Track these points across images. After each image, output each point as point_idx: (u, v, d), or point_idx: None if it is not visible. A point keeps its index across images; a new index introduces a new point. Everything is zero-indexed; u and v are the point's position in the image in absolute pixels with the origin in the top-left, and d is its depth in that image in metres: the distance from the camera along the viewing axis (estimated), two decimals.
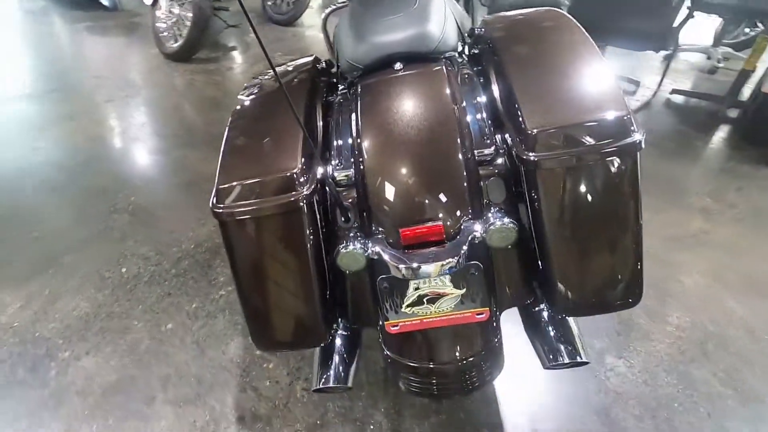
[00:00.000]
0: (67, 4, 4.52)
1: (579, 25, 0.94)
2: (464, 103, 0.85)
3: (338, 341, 0.94)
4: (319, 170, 0.79)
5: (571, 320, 0.91)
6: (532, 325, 0.91)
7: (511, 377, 1.17)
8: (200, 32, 3.00)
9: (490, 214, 0.74)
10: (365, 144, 0.79)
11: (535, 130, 0.72)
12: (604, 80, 0.78)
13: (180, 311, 1.32)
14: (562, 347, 0.86)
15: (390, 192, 0.75)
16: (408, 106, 0.81)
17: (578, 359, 0.85)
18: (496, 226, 0.71)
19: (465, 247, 0.71)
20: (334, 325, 0.92)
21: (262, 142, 0.83)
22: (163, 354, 1.20)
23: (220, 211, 0.75)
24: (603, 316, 1.32)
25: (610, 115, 0.72)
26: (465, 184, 0.76)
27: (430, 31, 0.89)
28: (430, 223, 0.73)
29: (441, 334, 0.79)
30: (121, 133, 2.30)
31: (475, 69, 1.01)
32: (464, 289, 0.75)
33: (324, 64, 1.08)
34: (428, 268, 0.69)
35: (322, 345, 0.89)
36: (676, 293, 1.40)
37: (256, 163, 0.79)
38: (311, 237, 0.78)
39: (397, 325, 0.77)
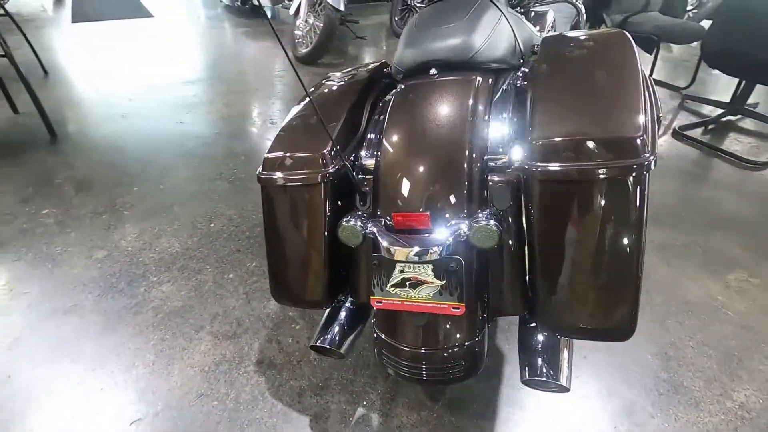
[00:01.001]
0: (235, 12, 5.44)
1: (635, 47, 0.90)
2: (489, 112, 0.89)
3: (344, 312, 1.04)
4: (349, 156, 0.90)
5: (565, 347, 0.87)
6: (524, 337, 0.90)
7: (520, 406, 1.14)
8: (327, 40, 3.38)
9: (480, 214, 0.76)
10: (385, 139, 0.88)
11: (538, 140, 0.74)
12: (631, 100, 0.75)
13: (242, 266, 1.55)
14: (544, 366, 0.84)
15: (395, 182, 0.83)
16: (429, 109, 0.88)
17: (556, 382, 0.81)
18: (479, 224, 0.74)
19: (447, 240, 0.75)
20: (341, 296, 1.02)
21: (309, 126, 0.97)
22: (219, 296, 1.43)
23: (262, 177, 0.91)
24: (643, 370, 1.21)
25: (621, 133, 0.69)
26: (465, 185, 0.80)
27: (467, 41, 0.94)
28: (420, 212, 0.79)
29: (415, 320, 0.83)
30: (245, 118, 2.73)
31: (519, 83, 1.03)
32: (444, 281, 0.78)
33: (390, 69, 1.20)
34: (401, 249, 0.75)
35: (324, 309, 1.00)
36: (755, 369, 1.21)
37: (297, 143, 0.93)
38: (328, 212, 0.89)
39: (381, 302, 0.83)
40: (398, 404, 1.12)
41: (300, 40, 3.64)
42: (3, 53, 2.30)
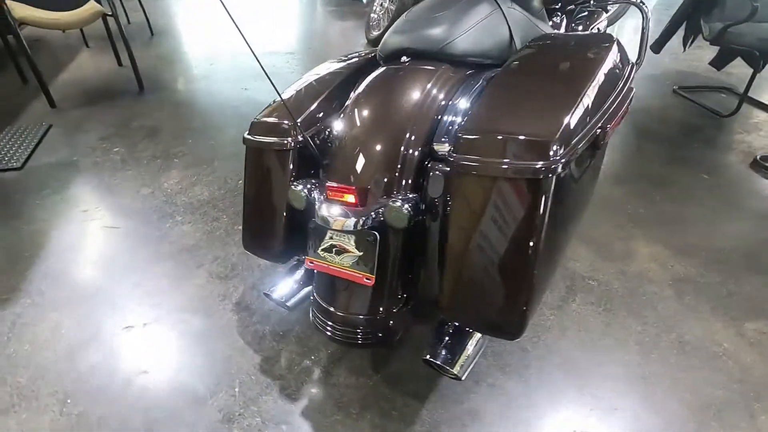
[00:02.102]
0: None
1: (614, 55, 0.87)
2: (449, 103, 0.91)
3: (302, 271, 1.14)
4: (315, 129, 0.99)
5: (473, 341, 0.89)
6: (441, 320, 0.93)
7: (453, 399, 1.17)
8: None
9: (400, 196, 0.81)
10: (343, 118, 0.95)
11: (463, 132, 0.76)
12: (565, 105, 0.74)
13: None
14: (444, 351, 0.87)
15: (339, 157, 0.91)
16: (386, 94, 0.93)
17: (450, 369, 0.84)
18: (392, 205, 0.78)
19: (366, 215, 0.81)
20: (299, 256, 1.12)
21: (295, 99, 1.07)
22: (225, 242, 1.62)
23: (246, 138, 1.03)
24: (603, 393, 1.17)
25: (533, 135, 0.70)
26: (398, 167, 0.84)
27: (437, 33, 0.95)
28: (349, 186, 0.85)
29: (339, 283, 0.90)
30: None
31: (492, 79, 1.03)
32: (361, 253, 0.85)
33: None
34: (326, 217, 0.82)
35: (281, 263, 1.11)
36: (733, 424, 1.10)
37: (280, 113, 1.03)
38: (293, 176, 0.99)
39: (312, 262, 0.92)
40: (342, 366, 1.20)
41: (374, 23, 3.74)
42: (111, 13, 2.70)
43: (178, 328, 1.32)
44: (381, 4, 3.63)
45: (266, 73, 0.84)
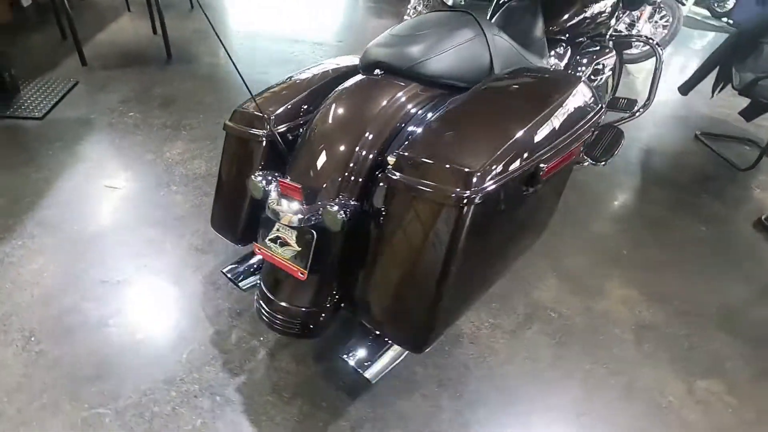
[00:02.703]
0: None
1: (581, 96, 0.90)
2: (409, 119, 0.95)
3: (260, 256, 1.20)
4: (288, 126, 1.05)
5: (391, 350, 0.94)
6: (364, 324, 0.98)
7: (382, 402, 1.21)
8: None
9: (339, 201, 0.86)
10: (312, 120, 1.00)
11: (402, 150, 0.80)
12: (500, 140, 0.78)
13: None
14: (359, 352, 0.92)
15: (297, 156, 0.97)
16: (350, 103, 0.97)
17: (360, 371, 0.89)
18: (329, 209, 0.83)
19: (306, 214, 0.86)
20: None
21: (279, 94, 1.13)
22: (207, 218, 1.70)
23: (226, 124, 1.10)
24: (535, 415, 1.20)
25: (457, 164, 0.74)
26: (344, 174, 0.90)
27: (407, 52, 0.99)
28: (296, 184, 0.90)
29: (281, 274, 0.96)
30: None
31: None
32: (300, 248, 0.90)
33: None
34: (273, 209, 0.87)
35: (241, 246, 1.18)
36: None
37: (263, 105, 1.09)
38: (260, 167, 1.05)
39: (260, 249, 0.99)
40: (286, 352, 1.27)
41: None
42: None
43: (149, 290, 1.41)
44: (414, 8, 3.67)
45: (236, 67, 0.91)
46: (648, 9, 3.61)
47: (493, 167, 0.74)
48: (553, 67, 1.49)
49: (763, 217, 2.16)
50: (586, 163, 1.74)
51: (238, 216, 1.11)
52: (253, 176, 0.98)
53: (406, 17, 3.79)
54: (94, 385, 1.15)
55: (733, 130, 2.98)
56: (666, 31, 3.76)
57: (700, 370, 1.39)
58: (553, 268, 1.68)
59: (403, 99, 0.96)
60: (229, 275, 1.16)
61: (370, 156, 0.91)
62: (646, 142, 2.69)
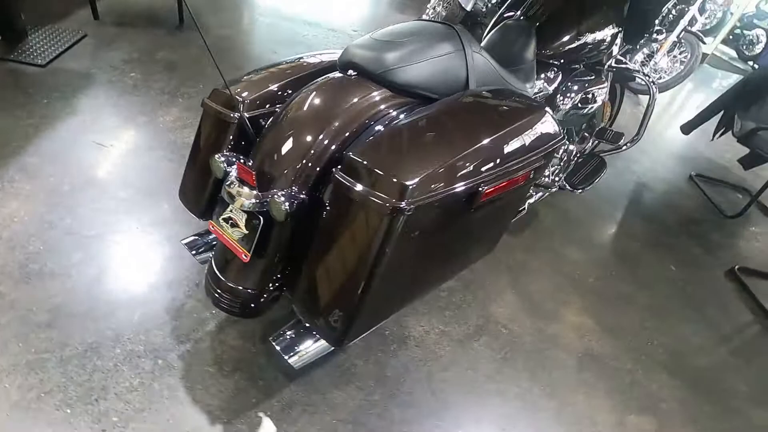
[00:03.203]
0: None
1: (541, 125, 0.93)
2: (372, 121, 0.99)
3: None
4: (261, 112, 1.08)
5: (320, 341, 0.98)
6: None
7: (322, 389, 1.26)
8: None
9: (291, 192, 0.90)
10: (282, 110, 1.03)
11: (349, 152, 0.84)
12: (443, 157, 0.81)
13: None
14: (288, 339, 0.97)
15: (261, 142, 1.01)
16: (319, 99, 1.01)
17: (286, 358, 0.94)
18: (274, 198, 0.87)
19: (256, 199, 0.90)
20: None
21: (259, 80, 1.16)
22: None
23: (204, 101, 1.14)
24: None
25: (394, 176, 0.77)
26: (299, 166, 0.93)
27: (384, 57, 1.01)
28: (251, 169, 0.94)
29: (228, 254, 1.01)
30: None
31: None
32: (247, 232, 0.95)
33: None
34: (227, 190, 0.91)
35: (202, 220, 1.22)
36: None
37: (241, 88, 1.12)
38: (228, 147, 1.09)
39: (213, 227, 1.03)
40: (235, 329, 1.32)
41: None
42: None
43: (115, 249, 1.46)
44: (434, 8, 3.67)
45: (209, 50, 0.94)
46: (668, 43, 3.60)
47: (431, 183, 0.77)
48: (540, 90, 1.51)
49: (736, 267, 2.18)
50: (554, 189, 1.76)
51: (203, 191, 1.15)
52: (216, 156, 1.02)
53: (424, 16, 3.79)
54: (44, 331, 1.20)
55: (729, 176, 2.99)
56: (683, 67, 3.75)
57: (635, 405, 1.43)
58: (514, 285, 1.72)
59: (371, 102, 0.99)
60: (187, 246, 1.20)
61: (327, 152, 0.94)
62: (639, 176, 2.70)
